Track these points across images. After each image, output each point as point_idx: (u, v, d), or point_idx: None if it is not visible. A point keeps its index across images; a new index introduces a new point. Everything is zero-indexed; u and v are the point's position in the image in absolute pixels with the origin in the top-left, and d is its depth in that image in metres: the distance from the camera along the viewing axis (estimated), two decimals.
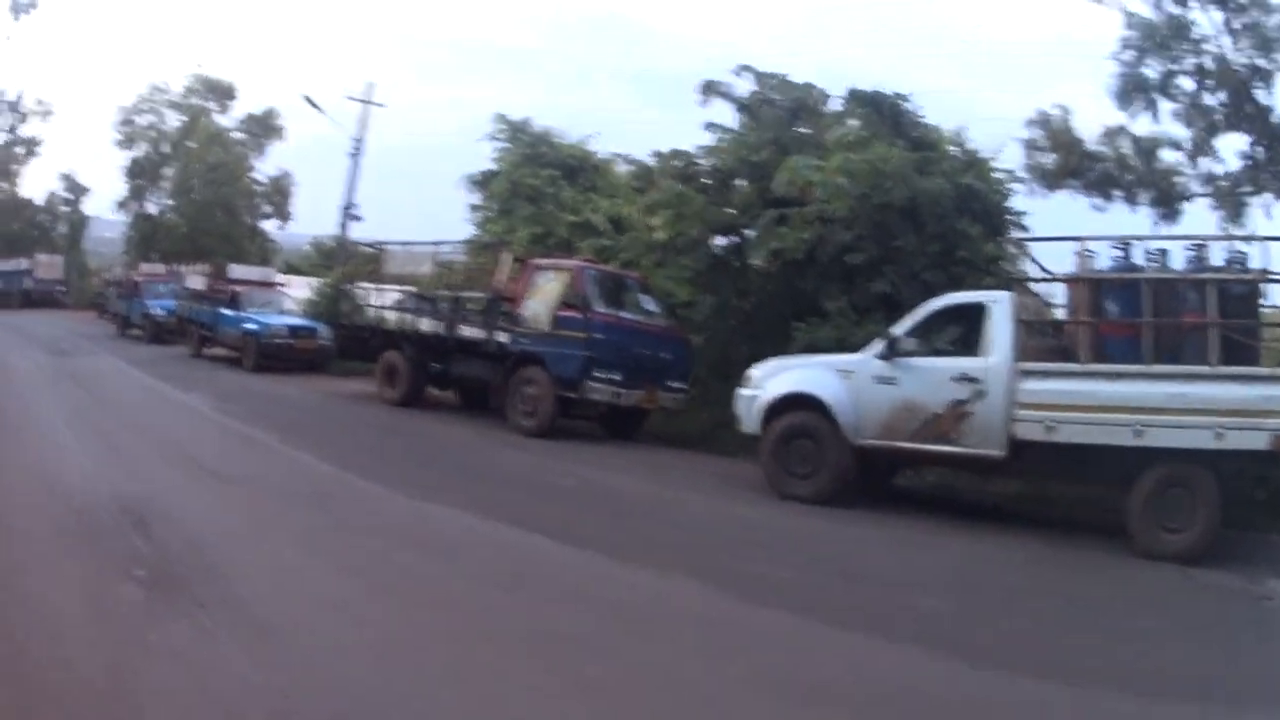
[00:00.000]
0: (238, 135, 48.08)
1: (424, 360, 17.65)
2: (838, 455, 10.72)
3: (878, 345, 10.83)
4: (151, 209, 48.78)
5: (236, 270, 27.75)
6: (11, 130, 17.30)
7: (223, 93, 48.16)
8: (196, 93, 47.94)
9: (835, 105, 16.76)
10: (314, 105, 26.79)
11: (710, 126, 17.18)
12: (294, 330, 23.06)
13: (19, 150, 17.77)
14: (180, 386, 18.74)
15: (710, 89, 17.25)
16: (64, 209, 58.23)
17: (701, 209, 16.36)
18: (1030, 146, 17.86)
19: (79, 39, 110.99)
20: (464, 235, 24.52)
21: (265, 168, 49.26)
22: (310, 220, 55.28)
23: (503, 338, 15.79)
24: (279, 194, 48.54)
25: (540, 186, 33.07)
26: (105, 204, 69.52)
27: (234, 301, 24.69)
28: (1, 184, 56.26)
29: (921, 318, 10.84)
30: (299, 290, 26.23)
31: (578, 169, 34.96)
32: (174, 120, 48.62)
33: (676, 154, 17.75)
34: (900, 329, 10.76)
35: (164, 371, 21.55)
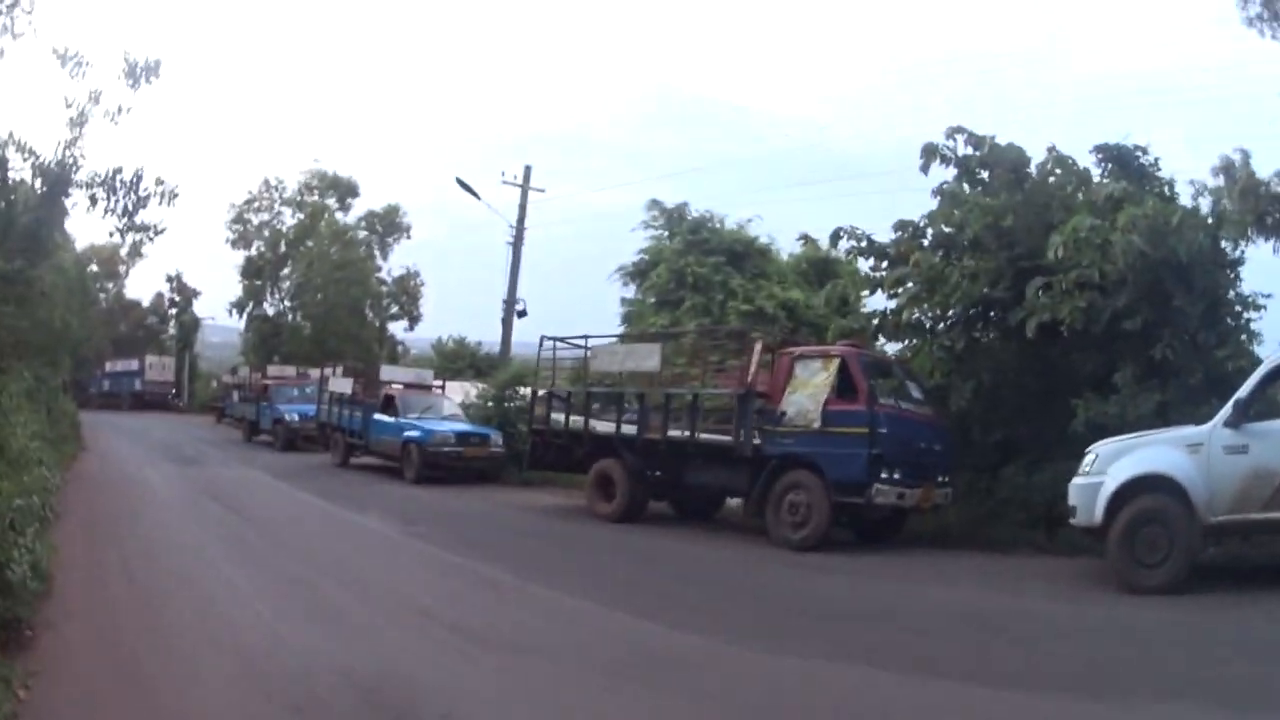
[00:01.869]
0: (361, 234, 46.68)
1: (647, 469, 15.67)
2: (1189, 537, 9.79)
3: (1225, 413, 9.97)
4: (269, 310, 47.01)
5: (387, 372, 25.26)
6: (128, 214, 14.95)
7: (344, 189, 46.70)
8: (315, 189, 46.43)
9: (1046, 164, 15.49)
10: (468, 189, 24.47)
11: (939, 192, 15.89)
12: (463, 437, 20.88)
13: (136, 238, 15.45)
14: (346, 504, 16.75)
15: (931, 152, 15.82)
16: (172, 311, 57.32)
17: (958, 282, 14.62)
18: (1217, 194, 16.92)
19: (183, 136, 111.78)
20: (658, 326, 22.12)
21: (391, 266, 47.90)
22: (436, 323, 52.86)
23: (755, 439, 13.91)
24: (406, 294, 46.81)
25: (707, 274, 30.72)
26: (212, 306, 69.10)
27: (389, 406, 22.49)
28: (108, 284, 55.39)
29: (1259, 378, 10.05)
30: (454, 394, 23.87)
31: (743, 254, 32.60)
32: (290, 218, 47.11)
33: (902, 224, 15.97)
34: (1244, 392, 9.93)
35: (316, 485, 19.65)
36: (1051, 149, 15.38)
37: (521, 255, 24.31)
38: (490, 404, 22.19)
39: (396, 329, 48.28)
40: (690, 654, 7.52)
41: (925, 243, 15.57)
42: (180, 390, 52.52)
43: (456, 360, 39.33)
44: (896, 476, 12.76)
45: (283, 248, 46.54)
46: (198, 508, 15.61)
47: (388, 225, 46.76)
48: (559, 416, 17.23)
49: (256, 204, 46.91)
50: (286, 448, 28.02)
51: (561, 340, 17.62)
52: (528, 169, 25.03)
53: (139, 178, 16.20)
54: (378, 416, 22.50)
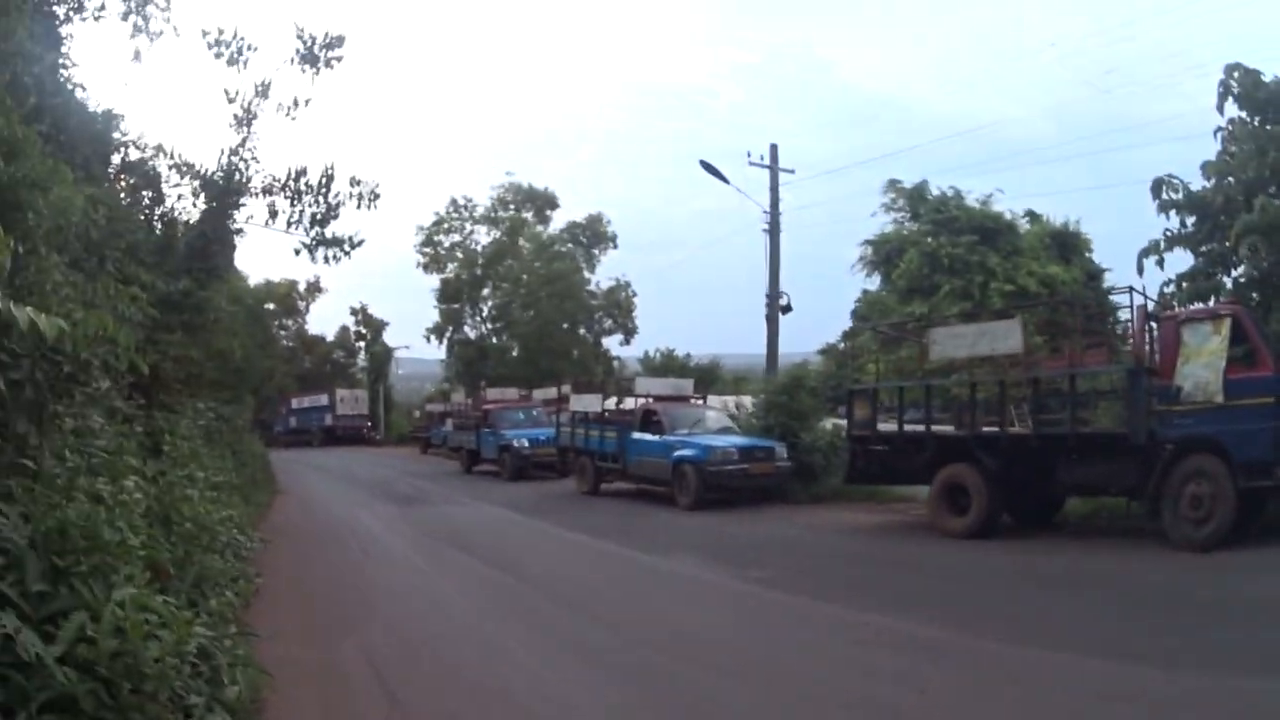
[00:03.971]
0: (566, 246, 44.81)
1: (1008, 472, 13.51)
2: None
3: None
4: (470, 334, 45.94)
5: (642, 384, 23.19)
6: (317, 224, 12.76)
7: (542, 200, 45.18)
8: (510, 203, 45.14)
9: None
10: (716, 173, 21.97)
11: (1232, 135, 14.70)
12: (746, 452, 18.35)
13: (328, 253, 13.37)
14: (634, 544, 14.10)
15: (1227, 91, 14.60)
16: (360, 343, 57.42)
17: None
18: None
19: (351, 157, 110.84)
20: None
21: (598, 278, 45.80)
22: (648, 337, 50.29)
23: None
24: (617, 307, 44.70)
25: (963, 255, 28.01)
26: (401, 335, 69.31)
27: (652, 423, 20.21)
28: (286, 321, 55.67)
29: None
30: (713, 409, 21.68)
31: (994, 231, 29.78)
32: (485, 236, 45.95)
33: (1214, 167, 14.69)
34: None
35: (577, 520, 17.17)
36: None
37: (780, 243, 21.80)
38: (770, 413, 19.70)
39: (611, 344, 46.32)
40: None
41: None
42: (376, 422, 52.33)
43: (666, 375, 37.32)
44: None
45: (479, 268, 45.33)
46: (444, 563, 12.79)
47: (592, 235, 44.96)
48: (887, 417, 15.15)
49: (446, 225, 45.89)
50: (516, 477, 26.07)
51: (890, 326, 15.38)
52: (773, 147, 22.45)
53: (330, 178, 14.34)
54: (637, 435, 20.30)
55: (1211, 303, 13.96)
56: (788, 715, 6.18)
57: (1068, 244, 30.33)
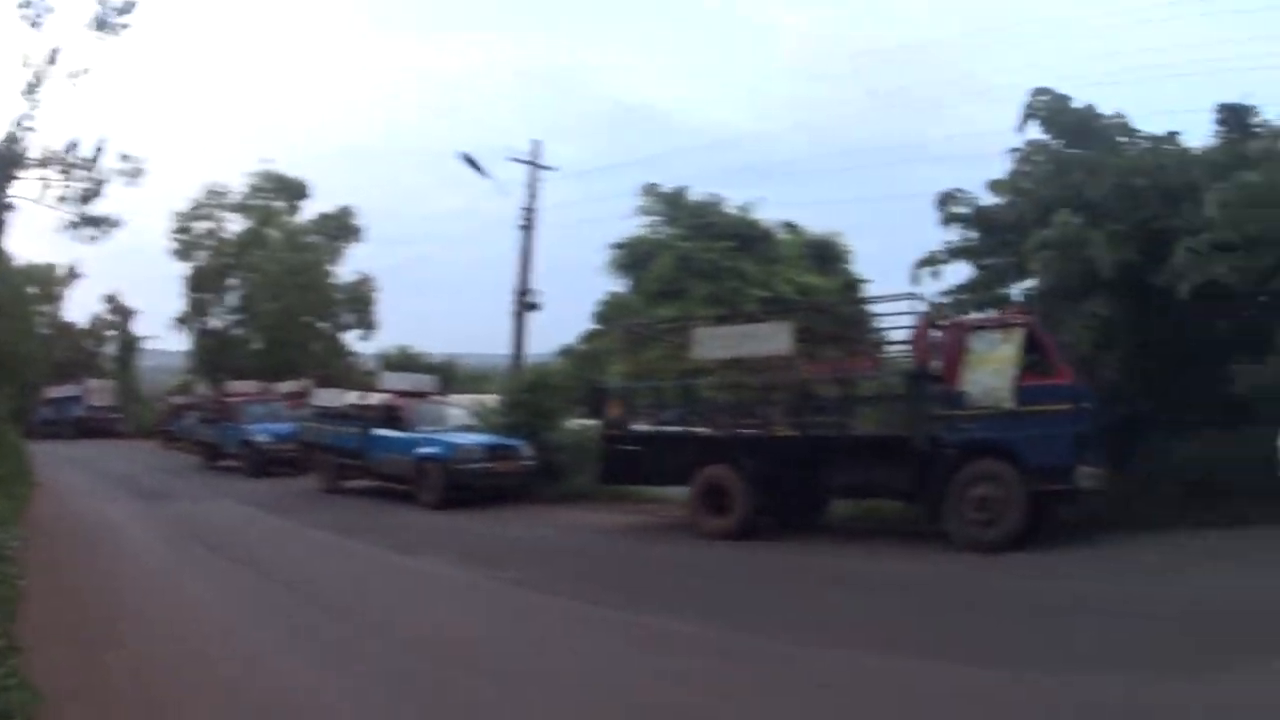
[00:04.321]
0: (313, 237, 43.08)
1: (771, 474, 13.41)
2: None
3: None
4: (215, 324, 43.49)
5: (387, 379, 22.33)
6: (84, 201, 12.08)
7: (293, 191, 43.21)
8: (263, 192, 43.02)
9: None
10: (474, 166, 21.47)
11: (1028, 157, 15.17)
12: (491, 450, 17.75)
13: (91, 233, 12.56)
14: (380, 542, 13.67)
15: (1032, 113, 15.00)
16: (109, 332, 53.62)
17: (1104, 244, 13.26)
18: None
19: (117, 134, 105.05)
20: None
21: (342, 272, 44.04)
22: (390, 332, 48.62)
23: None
24: (360, 301, 43.28)
25: (718, 260, 28.50)
26: (150, 325, 64.93)
27: (393, 419, 19.32)
28: (44, 307, 51.54)
29: None
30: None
31: (751, 239, 30.47)
32: (235, 225, 43.59)
33: (1002, 186, 15.25)
34: None
35: (321, 518, 16.50)
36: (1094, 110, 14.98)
37: (533, 241, 21.43)
38: (515, 411, 19.34)
39: (350, 339, 44.53)
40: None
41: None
42: (125, 414, 49.05)
43: (403, 372, 36.48)
44: (1090, 457, 11.49)
45: (230, 257, 43.00)
46: (197, 563, 12.22)
47: (340, 228, 43.35)
48: (642, 418, 15.09)
49: (200, 210, 43.31)
50: (257, 473, 24.50)
51: (642, 326, 15.31)
52: (535, 143, 22.16)
53: (100, 151, 13.45)
54: (379, 432, 19.34)
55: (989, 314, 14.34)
56: None
57: (826, 254, 31.38)
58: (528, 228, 21.99)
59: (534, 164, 22.40)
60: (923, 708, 6.04)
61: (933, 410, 12.22)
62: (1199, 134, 14.49)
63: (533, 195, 22.17)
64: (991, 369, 11.89)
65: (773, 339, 13.40)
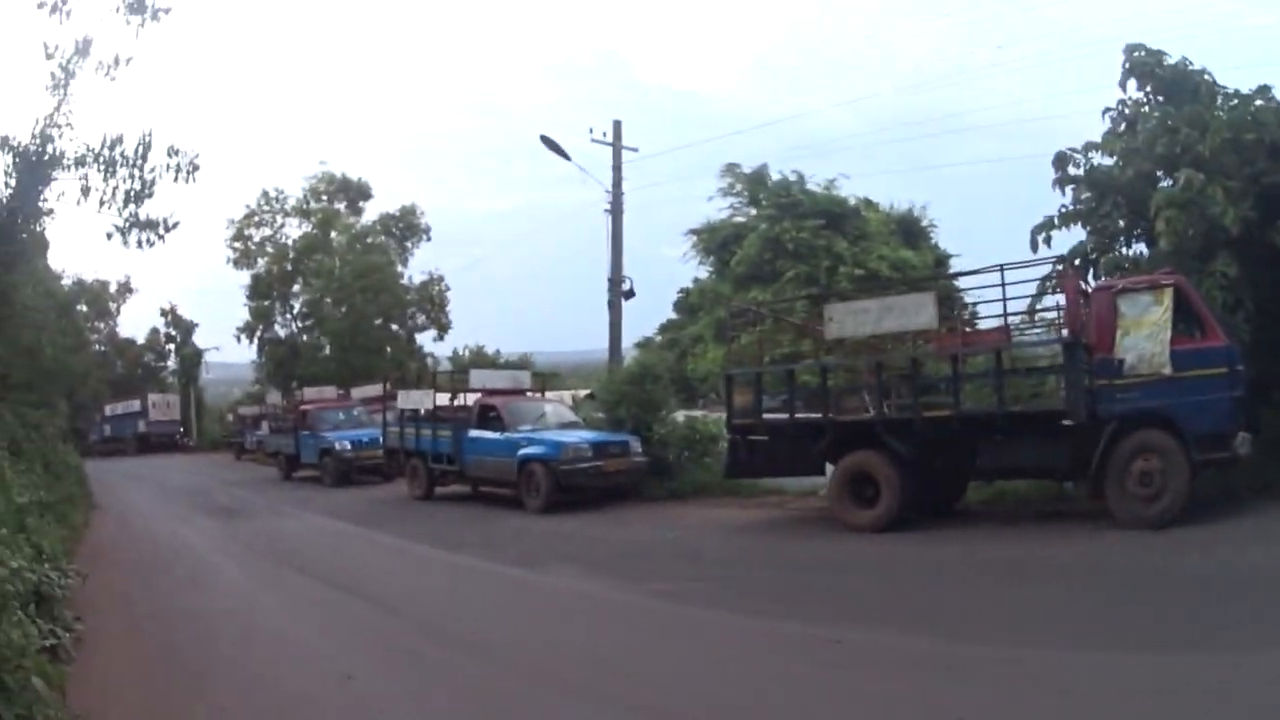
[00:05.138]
0: (379, 238, 42.38)
1: (925, 459, 12.54)
2: None
3: None
4: (280, 332, 42.93)
5: (477, 377, 21.29)
6: (131, 202, 10.93)
7: (355, 192, 42.45)
8: (323, 194, 42.34)
9: None
10: (556, 149, 20.31)
11: (1126, 114, 14.38)
12: (600, 448, 16.70)
13: (142, 237, 11.52)
14: (499, 558, 12.26)
15: (1131, 70, 14.18)
16: (170, 345, 53.52)
17: (1225, 201, 12.38)
18: None
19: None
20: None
21: (411, 272, 43.47)
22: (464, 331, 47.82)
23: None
24: (430, 301, 42.46)
25: (809, 240, 27.31)
26: (212, 336, 64.87)
27: (490, 419, 18.27)
28: (98, 323, 51.45)
29: None
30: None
31: (842, 216, 29.27)
32: (296, 229, 43.01)
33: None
34: None
35: (420, 530, 15.40)
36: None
37: (621, 225, 20.26)
38: (619, 406, 18.24)
39: (424, 340, 43.97)
40: None
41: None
42: (188, 428, 48.89)
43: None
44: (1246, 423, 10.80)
45: (289, 263, 42.37)
46: (287, 590, 10.81)
47: (405, 227, 42.56)
48: (775, 404, 14.01)
49: (257, 218, 42.68)
50: (340, 483, 23.89)
51: (750, 310, 14.24)
52: (617, 124, 20.86)
53: (147, 146, 12.31)
54: (475, 433, 18.35)
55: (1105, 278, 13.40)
56: None
57: (912, 229, 30.34)
58: (615, 212, 20.80)
59: (615, 145, 21.19)
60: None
61: (1090, 381, 11.43)
62: None
63: (618, 177, 21.03)
64: (1145, 333, 11.21)
65: (918, 312, 12.48)
